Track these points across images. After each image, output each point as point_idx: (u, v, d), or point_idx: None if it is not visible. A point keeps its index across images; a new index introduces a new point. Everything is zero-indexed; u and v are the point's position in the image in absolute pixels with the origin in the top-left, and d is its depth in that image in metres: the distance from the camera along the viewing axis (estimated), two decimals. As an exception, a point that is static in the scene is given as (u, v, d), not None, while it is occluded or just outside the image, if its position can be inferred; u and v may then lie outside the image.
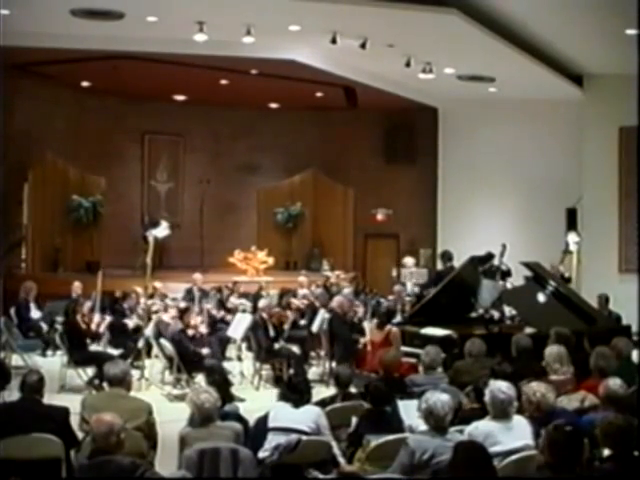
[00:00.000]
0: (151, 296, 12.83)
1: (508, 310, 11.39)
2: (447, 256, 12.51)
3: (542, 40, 13.77)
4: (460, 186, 18.74)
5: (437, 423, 5.22)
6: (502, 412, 5.40)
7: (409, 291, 13.78)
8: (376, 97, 18.01)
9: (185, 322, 10.55)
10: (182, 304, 11.89)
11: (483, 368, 7.32)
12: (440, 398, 5.30)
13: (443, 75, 15.39)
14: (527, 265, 11.24)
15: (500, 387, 5.50)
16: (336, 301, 11.49)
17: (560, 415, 5.37)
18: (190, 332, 10.48)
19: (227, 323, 12.19)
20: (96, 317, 10.91)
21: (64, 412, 5.78)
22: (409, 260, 15.47)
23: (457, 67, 15.37)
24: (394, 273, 17.10)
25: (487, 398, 5.51)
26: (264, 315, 11.23)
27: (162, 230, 11.09)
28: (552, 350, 7.09)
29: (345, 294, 13.18)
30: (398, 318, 11.86)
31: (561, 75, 15.66)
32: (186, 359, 9.99)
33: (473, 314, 10.70)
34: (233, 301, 13.89)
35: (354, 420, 6.13)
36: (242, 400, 6.72)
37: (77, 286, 13.52)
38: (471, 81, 16.32)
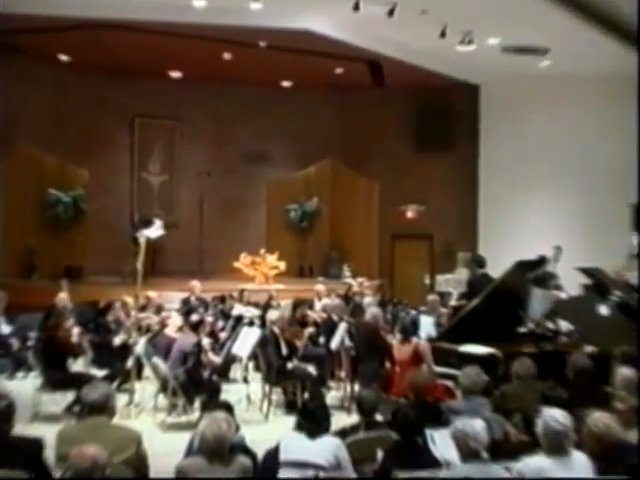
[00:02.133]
0: (143, 307, 12.83)
1: (563, 325, 11.30)
2: (477, 262, 12.47)
3: (607, 3, 13.65)
4: (505, 178, 18.67)
5: (470, 450, 5.23)
6: (557, 446, 5.33)
7: (454, 298, 13.79)
8: (406, 73, 17.99)
9: (199, 337, 10.57)
10: (194, 317, 11.88)
11: (533, 393, 7.26)
12: (471, 422, 5.33)
13: (485, 46, 15.34)
14: (585, 271, 11.16)
15: (554, 416, 5.43)
16: (370, 313, 11.48)
17: (628, 452, 5.30)
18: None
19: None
20: (75, 330, 10.92)
21: (37, 445, 5.73)
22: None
23: (502, 36, 15.31)
24: (427, 280, 17.06)
25: (539, 429, 5.45)
26: (275, 329, 11.20)
27: (155, 230, 11.08)
28: (622, 374, 7.01)
29: (367, 304, 13.14)
30: (433, 333, 11.84)
31: (630, 46, 15.48)
32: (192, 379, 10.00)
33: (521, 329, 10.63)
34: (239, 308, 13.89)
35: (380, 453, 6.09)
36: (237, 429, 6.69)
37: (62, 298, 13.51)
38: (519, 53, 16.25)
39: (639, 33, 14.34)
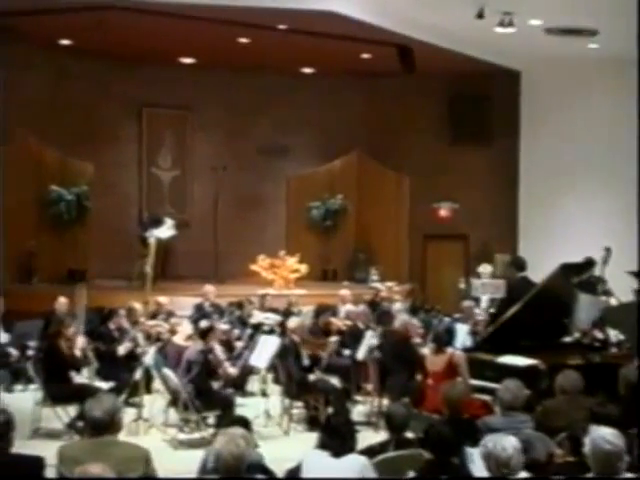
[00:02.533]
0: (153, 314, 12.87)
1: (613, 334, 11.24)
2: (517, 264, 12.42)
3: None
4: (548, 173, 18.59)
5: (499, 469, 5.25)
6: (608, 469, 5.29)
7: (483, 307, 13.73)
8: (439, 59, 17.94)
9: (208, 347, 10.58)
10: (203, 323, 11.89)
11: (580, 409, 7.21)
12: (500, 440, 5.35)
13: (527, 28, 15.26)
14: (638, 275, 11.09)
15: (604, 435, 5.38)
16: (400, 321, 11.48)
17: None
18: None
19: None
20: (80, 340, 10.97)
21: (37, 464, 5.73)
22: (486, 268, 15.38)
23: (546, 17, 15.22)
24: (462, 285, 17.00)
25: (587, 449, 5.40)
26: (295, 338, 11.21)
27: (166, 230, 11.14)
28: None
29: (396, 310, 13.14)
30: (468, 342, 11.80)
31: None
32: (199, 391, 10.01)
33: (566, 339, 10.59)
34: (257, 315, 13.90)
35: (411, 474, 6.08)
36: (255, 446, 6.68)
37: (62, 303, 13.61)
38: (565, 35, 16.15)
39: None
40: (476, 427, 7.18)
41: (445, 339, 10.67)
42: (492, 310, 13.62)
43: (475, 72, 19.02)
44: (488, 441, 5.43)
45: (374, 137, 21.01)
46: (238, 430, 5.65)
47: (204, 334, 10.77)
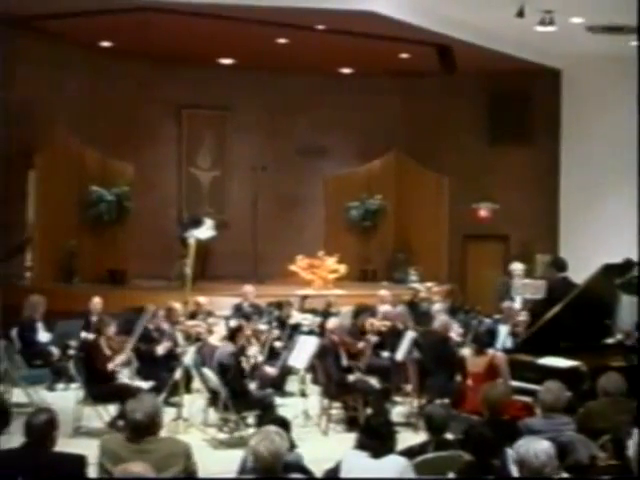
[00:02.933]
0: (193, 314, 12.92)
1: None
2: (558, 265, 12.37)
3: None
4: (590, 172, 18.44)
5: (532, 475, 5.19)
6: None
7: (516, 306, 13.66)
8: (478, 58, 17.86)
9: (238, 346, 10.60)
10: (232, 322, 11.94)
11: (623, 412, 7.16)
12: (534, 445, 5.27)
13: (568, 26, 15.16)
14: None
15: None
16: (440, 321, 11.44)
17: None
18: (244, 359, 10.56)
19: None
20: (124, 342, 10.99)
21: (80, 462, 5.78)
22: (517, 266, 15.29)
23: (587, 15, 15.12)
24: (502, 286, 16.89)
25: (632, 453, 5.36)
26: (334, 338, 11.21)
27: (205, 230, 11.17)
28: None
29: (436, 311, 13.09)
30: (508, 343, 11.74)
31: None
32: (235, 393, 10.03)
33: (608, 340, 10.50)
34: (297, 316, 13.91)
35: (451, 476, 6.06)
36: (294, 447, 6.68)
37: (96, 302, 13.71)
38: (606, 33, 16.02)
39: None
40: (517, 429, 7.15)
41: (486, 340, 10.62)
42: (524, 312, 13.56)
43: (515, 71, 18.90)
44: (520, 446, 5.36)
45: (413, 137, 20.94)
46: (272, 427, 5.66)
47: (232, 334, 10.78)
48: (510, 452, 6.18)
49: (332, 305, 14.91)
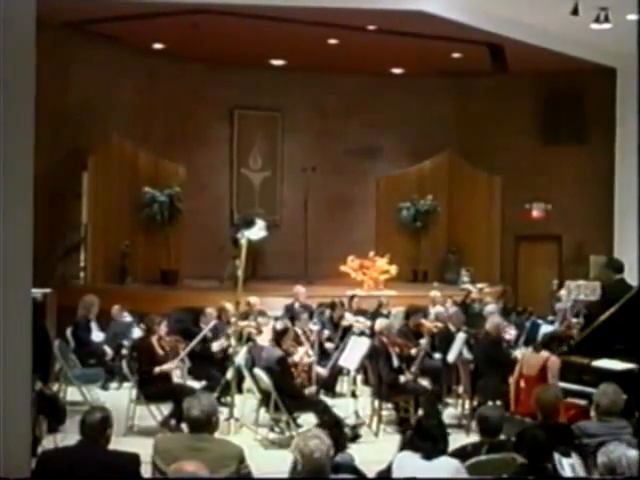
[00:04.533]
0: (245, 315, 12.96)
1: None
2: (614, 266, 12.15)
3: None
4: (645, 172, 18.19)
5: None
6: None
7: (563, 306, 13.54)
8: (531, 57, 17.72)
9: (283, 348, 10.59)
10: (278, 325, 11.93)
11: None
12: (626, 453, 5.16)
13: (624, 23, 14.93)
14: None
15: None
16: (492, 323, 11.36)
17: None
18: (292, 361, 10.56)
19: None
20: (179, 343, 11.06)
21: (134, 461, 5.81)
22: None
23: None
24: (555, 287, 16.78)
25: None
26: (384, 339, 11.18)
27: (257, 231, 11.18)
28: None
29: (488, 312, 13.00)
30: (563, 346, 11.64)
31: None
32: (285, 395, 10.04)
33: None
34: (349, 318, 13.90)
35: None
36: (345, 448, 6.67)
37: (116, 309, 13.72)
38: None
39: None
40: (571, 432, 7.07)
41: (544, 342, 10.47)
42: (574, 316, 13.43)
43: (569, 70, 18.73)
44: (611, 452, 5.24)
45: (465, 137, 20.86)
46: (313, 430, 5.64)
47: (278, 338, 10.71)
48: (557, 457, 6.12)
49: (383, 306, 14.88)
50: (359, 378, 12.23)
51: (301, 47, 18.12)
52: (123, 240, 17.78)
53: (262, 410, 10.50)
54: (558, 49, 17.19)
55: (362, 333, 12.95)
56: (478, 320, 13.11)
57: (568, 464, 6.11)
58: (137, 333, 12.64)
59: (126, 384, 11.71)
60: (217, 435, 6.25)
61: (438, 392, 11.43)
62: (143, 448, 6.06)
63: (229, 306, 12.65)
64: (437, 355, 12.19)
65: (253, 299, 13.80)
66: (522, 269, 20.60)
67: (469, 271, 19.19)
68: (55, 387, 11.22)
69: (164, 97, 19.30)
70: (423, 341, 12.02)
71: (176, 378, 11.22)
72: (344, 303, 14.62)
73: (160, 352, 10.68)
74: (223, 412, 10.13)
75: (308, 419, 9.98)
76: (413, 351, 11.44)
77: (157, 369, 10.36)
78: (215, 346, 11.89)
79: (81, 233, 17.72)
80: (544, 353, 9.93)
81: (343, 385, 12.49)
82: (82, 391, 11.38)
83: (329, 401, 10.88)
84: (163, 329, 10.95)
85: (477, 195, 20.66)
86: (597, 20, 14.31)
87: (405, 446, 6.31)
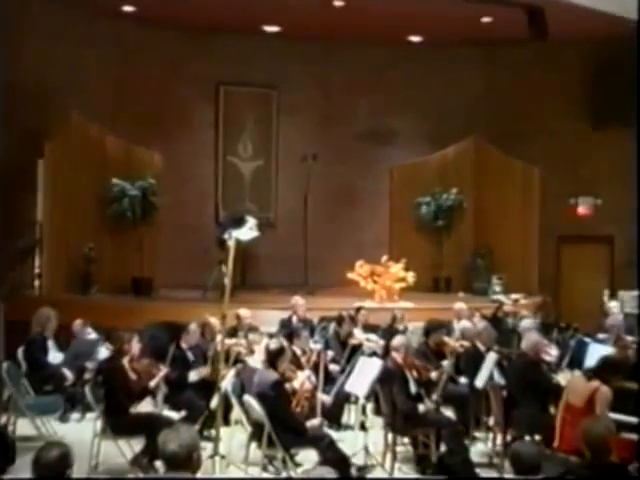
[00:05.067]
0: (233, 332, 12.94)
1: None
2: None
3: None
4: None
5: None
6: None
7: (616, 322, 13.56)
8: (577, 21, 17.74)
9: (279, 372, 10.57)
10: (273, 343, 11.89)
11: None
12: None
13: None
14: None
15: None
16: (529, 341, 11.34)
17: None
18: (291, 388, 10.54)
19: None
20: (159, 368, 11.02)
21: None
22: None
23: None
24: (606, 298, 16.80)
25: None
26: (398, 360, 11.16)
27: (247, 231, 11.16)
28: None
29: (524, 328, 13.00)
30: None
31: None
32: (282, 427, 10.02)
33: None
34: (359, 335, 13.90)
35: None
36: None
37: (78, 324, 13.69)
38: None
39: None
40: (626, 473, 7.05)
41: (601, 370, 10.37)
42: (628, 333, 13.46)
43: (623, 37, 18.60)
44: None
45: (496, 120, 20.92)
46: (319, 468, 5.63)
47: (273, 359, 10.65)
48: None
49: (398, 321, 14.86)
50: (369, 407, 12.24)
51: (300, 10, 18.13)
52: (87, 242, 17.75)
53: (253, 445, 10.49)
54: (609, 10, 17.16)
55: (374, 353, 12.93)
56: (512, 338, 13.13)
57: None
58: (103, 353, 12.58)
59: (89, 414, 11.73)
60: (199, 475, 6.23)
61: (464, 424, 11.42)
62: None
63: (214, 321, 12.65)
64: (463, 380, 12.19)
65: (243, 312, 13.82)
66: (565, 276, 20.68)
67: (501, 279, 19.23)
68: (3, 419, 11.18)
69: (136, 71, 19.35)
70: (446, 363, 12.00)
71: (150, 407, 11.21)
72: (353, 317, 14.58)
73: (133, 377, 10.66)
74: (206, 448, 10.13)
75: (308, 456, 9.96)
76: (434, 375, 11.39)
77: (133, 406, 10.36)
78: (192, 375, 11.84)
79: (36, 233, 17.72)
80: (595, 382, 9.88)
81: (350, 415, 12.48)
82: (36, 423, 11.35)
83: (333, 434, 10.85)
84: (135, 348, 10.92)
85: (510, 188, 20.72)
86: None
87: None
